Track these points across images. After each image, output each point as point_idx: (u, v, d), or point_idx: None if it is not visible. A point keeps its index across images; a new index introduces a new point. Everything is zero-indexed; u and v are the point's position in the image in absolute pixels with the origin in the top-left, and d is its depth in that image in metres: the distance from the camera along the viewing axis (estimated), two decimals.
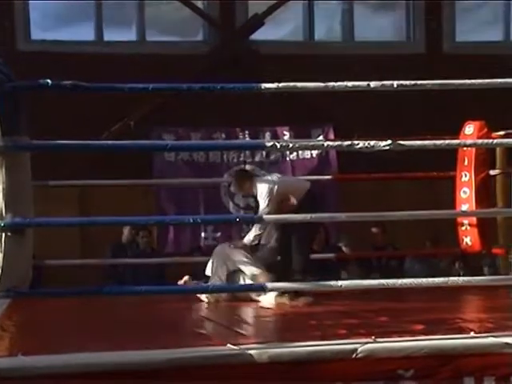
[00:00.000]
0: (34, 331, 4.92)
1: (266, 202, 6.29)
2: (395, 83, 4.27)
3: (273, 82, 4.35)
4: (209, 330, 4.85)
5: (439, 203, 6.75)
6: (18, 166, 4.01)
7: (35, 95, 4.56)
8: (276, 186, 6.34)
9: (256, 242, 6.39)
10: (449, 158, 6.91)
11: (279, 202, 6.29)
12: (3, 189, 3.85)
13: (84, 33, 10.09)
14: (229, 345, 3.88)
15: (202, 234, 9.33)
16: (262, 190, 6.33)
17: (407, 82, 4.30)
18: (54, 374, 3.57)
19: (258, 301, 5.96)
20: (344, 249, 8.65)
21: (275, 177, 6.53)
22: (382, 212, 4.89)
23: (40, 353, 3.76)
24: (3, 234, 3.82)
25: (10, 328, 4.86)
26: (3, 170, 3.86)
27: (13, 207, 3.87)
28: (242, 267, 6.19)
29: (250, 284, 5.97)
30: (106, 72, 8.38)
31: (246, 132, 9.51)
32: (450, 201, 7.02)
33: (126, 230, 8.79)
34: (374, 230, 8.73)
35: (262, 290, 4.63)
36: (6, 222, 3.82)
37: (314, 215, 4.67)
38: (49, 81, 4.01)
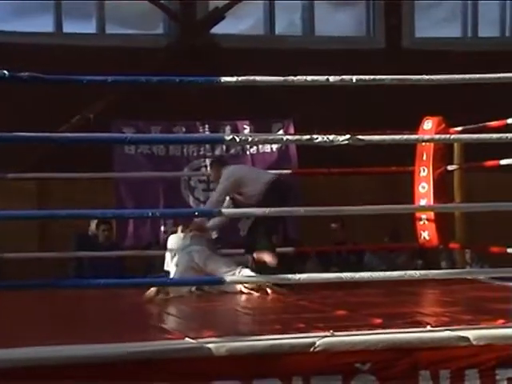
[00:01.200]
0: None
1: (220, 186, 6.55)
2: (354, 78, 4.29)
3: (233, 75, 4.34)
4: (168, 323, 4.84)
5: (398, 198, 6.80)
6: None
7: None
8: (234, 172, 6.58)
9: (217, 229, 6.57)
10: (407, 153, 6.96)
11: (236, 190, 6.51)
12: None
13: (43, 24, 9.99)
14: (187, 338, 3.88)
15: (162, 228, 9.29)
16: (222, 176, 6.56)
17: (366, 77, 4.32)
18: (8, 368, 3.54)
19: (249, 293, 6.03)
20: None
21: (238, 166, 6.70)
22: (341, 206, 4.91)
23: None
24: None
25: None
26: None
27: None
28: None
29: (209, 277, 5.97)
30: (64, 64, 8.33)
31: (206, 126, 9.48)
32: (409, 196, 7.08)
33: (93, 223, 8.75)
34: (333, 225, 8.79)
35: (221, 282, 4.62)
36: None
37: (271, 209, 4.68)
38: (5, 72, 3.96)
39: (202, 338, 3.90)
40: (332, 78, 4.29)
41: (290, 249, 7.81)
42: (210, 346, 3.77)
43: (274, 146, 9.52)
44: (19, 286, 5.09)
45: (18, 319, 5.12)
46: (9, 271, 7.50)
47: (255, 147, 9.48)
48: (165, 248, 6.74)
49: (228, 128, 9.50)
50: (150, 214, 4.53)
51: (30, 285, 5.09)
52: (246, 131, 9.47)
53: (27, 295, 5.65)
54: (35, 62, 8.43)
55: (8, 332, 4.44)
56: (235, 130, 9.43)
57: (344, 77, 4.30)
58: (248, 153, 9.57)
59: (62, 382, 3.56)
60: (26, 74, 4.04)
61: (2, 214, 4.60)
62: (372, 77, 4.32)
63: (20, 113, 8.97)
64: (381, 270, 6.72)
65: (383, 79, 4.34)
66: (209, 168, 7.00)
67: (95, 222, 8.68)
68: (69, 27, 10.06)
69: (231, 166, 6.87)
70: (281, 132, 9.41)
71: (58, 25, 10.04)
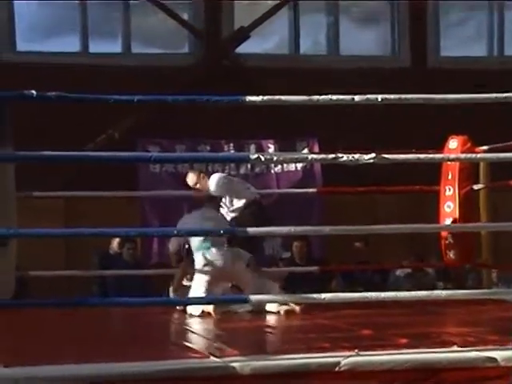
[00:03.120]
0: (16, 342, 4.89)
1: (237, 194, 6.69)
2: (380, 97, 4.29)
3: (258, 94, 4.36)
4: (193, 342, 4.83)
5: (423, 217, 6.77)
6: (2, 176, 3.99)
7: (20, 106, 4.54)
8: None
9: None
10: (433, 173, 6.93)
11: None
12: None
13: (69, 44, 10.09)
14: (212, 357, 3.87)
15: (187, 246, 9.29)
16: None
17: (392, 96, 4.32)
18: None
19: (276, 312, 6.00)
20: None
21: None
22: (366, 226, 4.90)
23: (21, 364, 3.74)
24: None
25: None
26: None
27: None
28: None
29: (233, 296, 5.96)
30: (91, 83, 8.41)
31: (231, 144, 9.51)
32: (435, 214, 7.04)
33: (115, 242, 8.78)
34: (356, 244, 8.74)
35: (245, 301, 4.62)
36: None
37: (297, 228, 4.68)
38: (34, 92, 4.00)
39: (227, 356, 3.89)
40: (357, 98, 4.29)
41: (314, 268, 7.80)
42: (234, 364, 3.76)
43: (299, 165, 9.52)
44: (44, 304, 5.12)
45: (44, 337, 5.13)
46: (36, 288, 7.53)
47: (280, 166, 9.49)
48: None
49: (253, 147, 9.52)
50: (175, 233, 4.54)
51: (56, 303, 5.12)
52: (271, 150, 9.49)
53: (53, 312, 5.66)
54: (62, 81, 8.52)
55: (37, 350, 4.46)
56: (260, 149, 9.45)
57: (369, 96, 4.30)
58: (273, 171, 9.58)
59: None
60: (54, 93, 4.07)
61: (28, 231, 4.62)
62: (397, 96, 4.31)
63: (46, 132, 9.05)
64: (406, 290, 6.67)
65: (408, 98, 4.33)
66: (192, 178, 6.89)
67: (117, 240, 8.70)
68: (95, 47, 10.15)
69: (217, 174, 6.92)
70: (305, 151, 9.41)
71: (84, 44, 10.13)
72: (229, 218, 6.61)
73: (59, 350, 4.46)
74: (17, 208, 4.22)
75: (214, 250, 6.10)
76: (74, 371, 3.68)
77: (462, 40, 10.85)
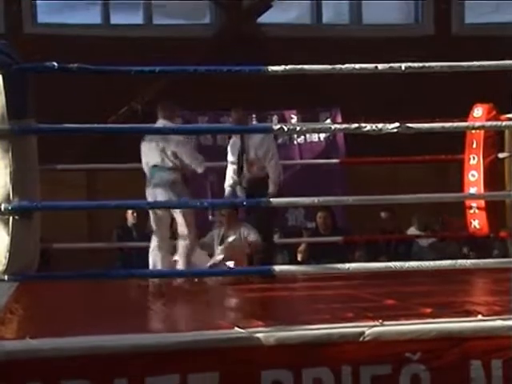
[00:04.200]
0: (41, 314, 4.93)
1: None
2: (403, 65, 4.23)
3: (280, 64, 4.32)
4: (216, 313, 4.85)
5: (447, 187, 6.74)
6: (26, 149, 4.00)
7: (41, 78, 4.54)
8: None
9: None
10: (457, 141, 6.88)
11: None
12: (10, 172, 3.84)
13: (91, 16, 10.07)
14: (236, 328, 3.88)
15: (210, 218, 9.32)
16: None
17: (415, 65, 4.26)
18: (61, 356, 3.58)
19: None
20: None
21: None
22: (390, 195, 4.86)
23: (47, 336, 3.77)
24: (11, 218, 3.82)
25: (18, 311, 4.88)
26: (10, 153, 3.85)
27: (20, 191, 3.86)
28: None
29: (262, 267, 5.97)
30: (112, 55, 8.39)
31: (253, 115, 9.48)
32: (458, 185, 7.00)
33: (129, 214, 8.81)
34: (383, 214, 8.69)
35: (270, 272, 4.61)
36: (13, 205, 3.81)
37: (321, 199, 4.65)
38: (55, 63, 3.99)
39: (251, 327, 3.90)
40: (381, 66, 4.24)
41: (338, 238, 7.79)
42: (258, 335, 3.76)
43: (322, 136, 9.48)
44: (68, 276, 5.15)
45: (69, 308, 5.17)
46: (60, 261, 7.59)
47: (303, 137, 9.45)
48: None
49: (275, 118, 9.49)
50: (199, 204, 4.54)
51: (80, 275, 5.15)
52: (294, 121, 9.45)
53: (77, 285, 5.70)
54: (83, 53, 8.50)
55: (62, 321, 4.50)
56: (282, 120, 9.41)
57: (393, 64, 4.25)
58: (295, 142, 9.55)
59: (116, 371, 3.59)
60: (75, 65, 4.06)
61: (52, 204, 4.64)
62: (421, 64, 4.26)
63: (69, 104, 9.06)
64: (430, 260, 6.64)
65: (433, 66, 4.27)
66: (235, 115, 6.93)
67: (130, 212, 8.72)
68: (116, 19, 10.12)
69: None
70: (328, 121, 9.36)
71: (106, 16, 10.10)
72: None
73: (84, 322, 4.49)
74: (40, 181, 4.23)
75: None
76: (98, 342, 3.70)
77: (487, 6, 10.69)
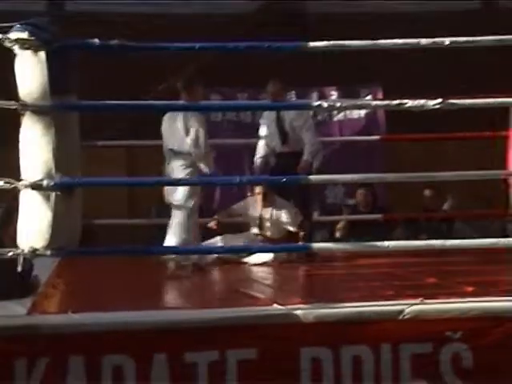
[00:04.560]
0: (83, 289, 4.99)
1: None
2: (447, 40, 4.16)
3: (319, 40, 4.28)
4: (256, 290, 4.86)
5: (491, 164, 6.64)
6: (67, 125, 4.02)
7: (82, 55, 4.56)
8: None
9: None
10: (501, 117, 6.77)
11: None
12: (52, 149, 3.87)
13: None
14: (275, 304, 3.89)
15: (248, 195, 9.32)
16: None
17: (460, 39, 4.18)
18: (103, 331, 3.62)
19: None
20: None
21: None
22: (431, 173, 4.82)
23: (89, 310, 3.81)
24: (53, 194, 3.85)
25: (60, 286, 4.94)
26: (52, 129, 3.87)
27: (62, 167, 3.89)
28: None
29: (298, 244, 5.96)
30: (152, 32, 8.40)
31: (293, 92, 9.43)
32: (501, 162, 6.90)
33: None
34: (427, 192, 8.58)
35: (309, 250, 4.61)
36: (55, 181, 3.84)
37: (361, 176, 4.63)
38: (96, 40, 4.00)
39: (290, 304, 3.90)
40: (424, 41, 4.17)
41: (378, 216, 7.75)
42: (298, 312, 3.77)
43: (362, 112, 9.40)
44: (110, 251, 5.19)
45: (110, 284, 5.22)
46: (100, 237, 7.65)
47: (343, 113, 9.38)
48: None
49: (315, 94, 9.42)
50: (238, 181, 4.54)
51: (122, 251, 5.19)
52: (334, 97, 9.38)
53: (117, 260, 5.74)
54: (124, 30, 8.53)
55: (104, 296, 4.54)
56: (322, 97, 9.34)
57: (436, 39, 4.18)
58: (335, 119, 9.48)
59: (156, 346, 3.62)
60: (115, 42, 4.07)
61: (94, 180, 4.67)
62: (465, 38, 4.18)
63: (108, 81, 9.09)
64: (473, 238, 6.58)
65: (477, 41, 4.19)
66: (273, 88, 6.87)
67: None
68: None
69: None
70: (369, 98, 9.28)
71: None
72: None
73: (124, 297, 4.53)
74: (81, 157, 4.25)
75: None
76: (139, 318, 3.73)
77: None
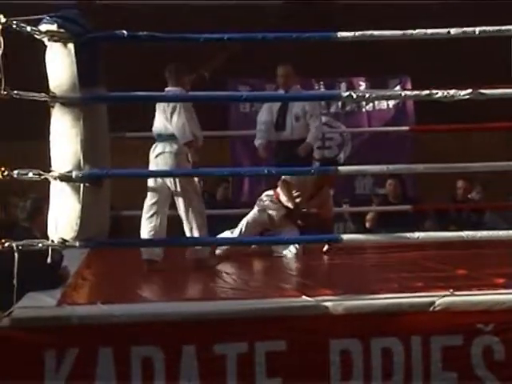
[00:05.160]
0: (112, 280, 5.00)
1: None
2: (477, 29, 4.12)
3: (349, 30, 4.25)
4: (285, 281, 4.85)
5: None
6: (96, 117, 4.03)
7: (111, 47, 4.56)
8: None
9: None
10: None
11: None
12: (81, 140, 3.88)
13: None
14: (304, 296, 3.87)
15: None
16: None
17: (490, 28, 4.14)
18: (131, 322, 3.63)
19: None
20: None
21: None
22: (462, 164, 4.77)
23: (118, 302, 3.82)
24: (82, 185, 3.86)
25: (89, 277, 4.96)
26: (81, 121, 3.89)
27: (91, 158, 3.91)
28: None
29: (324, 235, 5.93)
30: (181, 23, 8.39)
31: (322, 83, 9.39)
32: None
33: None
34: (459, 183, 8.48)
35: (338, 241, 4.57)
36: (84, 172, 3.86)
37: (390, 167, 4.59)
38: (125, 32, 4.00)
39: (320, 296, 3.88)
40: (453, 31, 4.13)
41: (407, 207, 7.70)
42: (327, 304, 3.76)
43: (391, 103, 9.34)
44: (139, 243, 5.22)
45: (139, 275, 5.23)
46: (129, 228, 7.66)
47: (371, 104, 9.32)
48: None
49: (343, 85, 9.37)
50: (266, 172, 4.53)
51: (150, 242, 5.20)
52: (362, 88, 9.33)
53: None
54: (152, 21, 8.53)
55: (133, 287, 4.55)
56: (351, 87, 9.28)
57: (466, 29, 4.14)
58: (364, 110, 9.43)
59: (185, 338, 3.63)
60: (144, 33, 4.07)
61: (123, 172, 4.68)
62: (496, 28, 4.13)
63: (137, 72, 9.10)
64: (502, 229, 6.52)
65: (509, 29, 4.14)
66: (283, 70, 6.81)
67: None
68: None
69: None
70: (398, 88, 9.21)
71: None
72: None
73: (153, 289, 4.54)
74: (110, 148, 4.26)
75: None
76: (168, 309, 3.74)
77: None
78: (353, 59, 9.15)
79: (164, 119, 5.67)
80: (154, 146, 5.75)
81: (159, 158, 5.61)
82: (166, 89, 5.81)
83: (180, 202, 5.55)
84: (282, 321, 3.71)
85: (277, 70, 6.97)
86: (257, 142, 7.06)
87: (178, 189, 5.53)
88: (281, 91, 7.00)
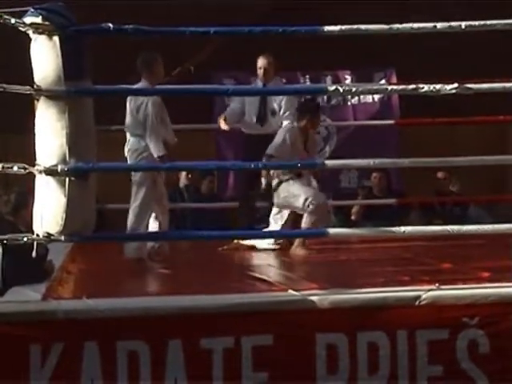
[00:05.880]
0: (97, 275, 4.99)
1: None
2: (463, 24, 4.12)
3: (335, 24, 4.24)
4: (270, 275, 4.85)
5: (507, 149, 6.60)
6: (82, 110, 4.00)
7: (97, 40, 4.53)
8: None
9: None
10: None
11: None
12: (67, 134, 3.85)
13: None
14: (290, 290, 3.87)
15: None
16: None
17: (476, 23, 4.14)
18: (117, 316, 3.62)
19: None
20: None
21: None
22: (447, 158, 4.78)
23: (103, 296, 3.81)
24: (67, 179, 3.84)
25: (75, 271, 4.94)
26: (67, 114, 3.86)
27: (76, 152, 3.88)
28: None
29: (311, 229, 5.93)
30: (166, 16, 8.35)
31: (307, 76, 9.39)
32: None
33: (183, 175, 8.83)
34: (439, 175, 8.54)
35: (325, 235, 4.56)
36: (69, 166, 3.83)
37: (377, 160, 4.59)
38: (110, 25, 3.98)
39: (305, 290, 3.88)
40: (439, 25, 4.13)
41: (392, 200, 7.72)
42: (313, 298, 3.75)
43: (376, 97, 9.36)
44: (123, 237, 5.19)
45: (124, 269, 5.22)
46: (114, 221, 7.64)
47: (357, 97, 9.34)
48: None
49: (329, 78, 9.38)
50: (253, 166, 4.52)
51: (134, 237, 5.19)
52: (347, 81, 9.34)
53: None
54: (137, 14, 8.48)
55: (118, 282, 4.54)
56: (336, 81, 9.30)
57: (452, 23, 4.14)
58: (349, 103, 9.44)
59: (171, 332, 3.62)
60: (130, 26, 4.04)
61: (109, 165, 4.66)
62: (483, 22, 4.13)
63: (122, 65, 9.06)
64: (486, 223, 6.55)
65: (495, 24, 4.14)
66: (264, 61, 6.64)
67: (184, 173, 8.72)
68: None
69: None
70: (383, 82, 9.23)
71: None
72: None
73: (138, 283, 4.52)
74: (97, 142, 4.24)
75: None
76: (153, 303, 3.73)
77: None
78: (338, 52, 9.14)
79: (132, 116, 5.60)
80: (127, 140, 5.70)
81: (129, 154, 5.59)
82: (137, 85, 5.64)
83: (132, 195, 5.52)
84: (268, 315, 3.70)
85: (257, 62, 6.83)
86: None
87: (133, 182, 5.52)
88: (259, 83, 6.85)
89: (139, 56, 5.75)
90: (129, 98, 5.62)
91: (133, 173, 5.53)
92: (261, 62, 6.72)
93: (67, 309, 3.62)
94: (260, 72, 6.76)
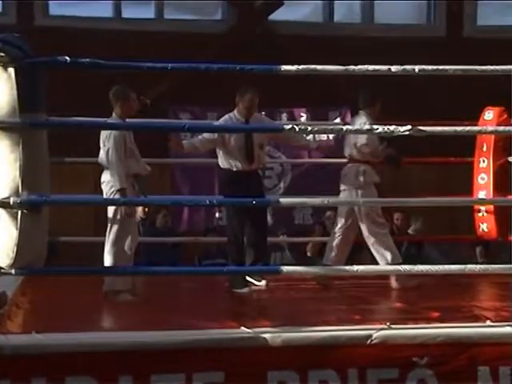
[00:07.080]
0: (47, 309, 4.92)
1: None
2: (417, 68, 4.20)
3: (291, 63, 4.29)
4: (223, 312, 4.83)
5: (456, 189, 6.70)
6: (36, 142, 3.98)
7: (52, 72, 4.52)
8: None
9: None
10: (467, 144, 6.83)
11: None
12: (20, 166, 3.82)
13: (102, 9, 10.04)
14: (242, 327, 3.86)
15: (217, 215, 9.30)
16: None
17: (429, 67, 4.23)
18: (67, 352, 3.57)
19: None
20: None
21: None
22: (401, 198, 4.84)
23: (53, 331, 3.76)
24: (19, 211, 3.80)
25: (24, 305, 4.87)
26: (20, 146, 3.83)
27: (29, 184, 3.85)
28: None
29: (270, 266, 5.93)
30: (123, 49, 8.36)
31: (263, 113, 9.44)
32: (466, 187, 6.95)
33: (139, 209, 8.77)
34: (397, 215, 8.59)
35: (278, 272, 4.56)
36: (22, 199, 3.80)
37: (332, 199, 4.62)
38: (67, 58, 3.98)
39: (258, 327, 3.88)
40: (394, 68, 4.21)
41: None
42: (265, 336, 3.76)
43: (331, 135, 9.44)
44: (74, 271, 5.12)
45: (75, 303, 5.16)
46: (67, 254, 7.56)
47: (311, 135, 9.40)
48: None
49: (284, 115, 9.45)
50: (208, 202, 4.52)
51: (86, 271, 5.13)
52: (303, 119, 9.42)
53: (82, 278, 5.67)
54: (94, 46, 8.50)
55: (69, 316, 4.48)
56: (292, 118, 9.38)
57: (406, 67, 4.22)
58: None
59: (121, 368, 3.58)
60: (87, 60, 4.04)
61: (62, 198, 4.63)
62: (435, 67, 4.22)
63: (78, 98, 9.03)
64: (440, 263, 6.61)
65: (446, 69, 4.24)
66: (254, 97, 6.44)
67: (141, 207, 8.66)
68: (128, 12, 10.10)
69: None
70: (338, 120, 9.33)
71: (117, 9, 10.08)
72: None
73: (89, 317, 4.47)
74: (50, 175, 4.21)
75: None
76: (103, 339, 3.69)
77: (499, 8, 10.62)
78: (294, 90, 9.23)
79: (102, 149, 5.62)
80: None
81: (103, 185, 5.60)
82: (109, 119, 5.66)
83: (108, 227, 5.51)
84: (220, 352, 3.69)
85: (239, 97, 6.59)
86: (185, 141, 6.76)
87: (109, 214, 5.51)
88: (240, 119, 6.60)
89: (111, 90, 5.74)
90: (101, 135, 5.62)
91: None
92: (250, 98, 6.48)
93: (15, 344, 3.57)
94: (246, 107, 6.49)
